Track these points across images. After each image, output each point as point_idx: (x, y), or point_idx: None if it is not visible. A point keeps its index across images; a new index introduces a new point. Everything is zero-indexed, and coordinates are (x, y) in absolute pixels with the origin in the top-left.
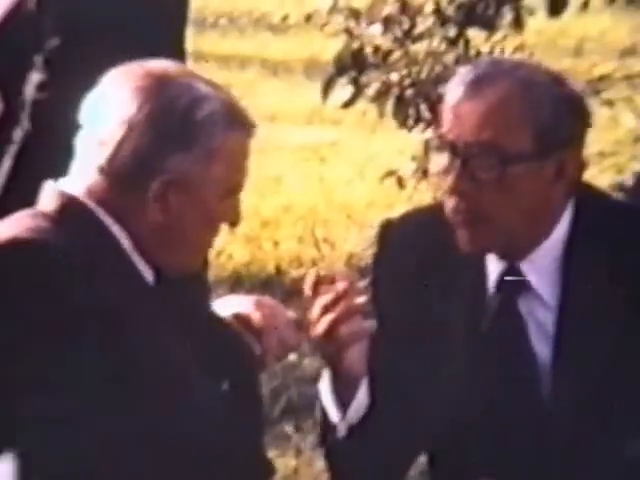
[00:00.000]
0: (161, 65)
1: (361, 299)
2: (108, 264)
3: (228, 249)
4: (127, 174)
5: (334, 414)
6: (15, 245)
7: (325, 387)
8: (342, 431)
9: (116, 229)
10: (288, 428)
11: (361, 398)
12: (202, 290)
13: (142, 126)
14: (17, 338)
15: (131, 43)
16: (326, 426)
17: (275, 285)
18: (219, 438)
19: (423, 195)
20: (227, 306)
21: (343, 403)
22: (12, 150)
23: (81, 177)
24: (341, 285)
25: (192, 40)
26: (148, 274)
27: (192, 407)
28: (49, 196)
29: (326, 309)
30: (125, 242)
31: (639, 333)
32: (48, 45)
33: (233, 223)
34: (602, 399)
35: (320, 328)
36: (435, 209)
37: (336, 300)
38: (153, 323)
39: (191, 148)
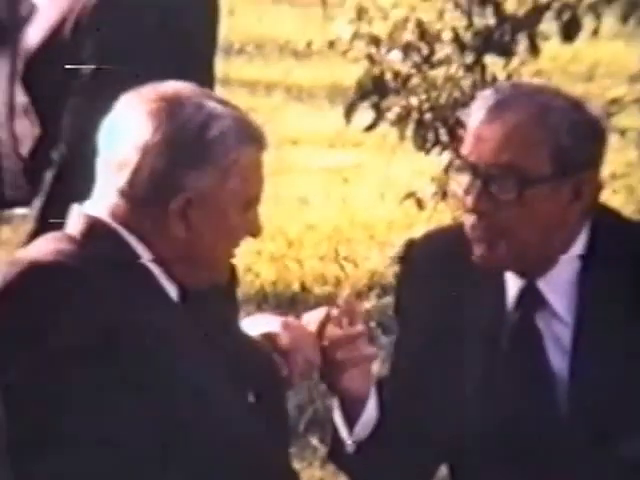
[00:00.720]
0: (173, 87)
1: (360, 327)
2: (134, 284)
3: (255, 268)
4: (146, 195)
5: (343, 431)
6: (36, 268)
7: (335, 405)
8: (350, 447)
9: (140, 249)
10: (314, 440)
11: (367, 416)
12: (230, 307)
13: (158, 148)
14: (43, 359)
15: (163, 68)
16: (337, 441)
17: (300, 302)
18: (245, 449)
19: (442, 216)
20: (256, 325)
21: (350, 420)
22: (50, 173)
23: (103, 200)
24: (335, 312)
25: (219, 66)
26: (173, 292)
27: (219, 419)
28: (75, 219)
29: (322, 337)
30: (149, 261)
31: None
32: (84, 71)
33: (254, 235)
34: (618, 413)
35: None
36: (455, 229)
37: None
38: (179, 340)
39: (206, 166)
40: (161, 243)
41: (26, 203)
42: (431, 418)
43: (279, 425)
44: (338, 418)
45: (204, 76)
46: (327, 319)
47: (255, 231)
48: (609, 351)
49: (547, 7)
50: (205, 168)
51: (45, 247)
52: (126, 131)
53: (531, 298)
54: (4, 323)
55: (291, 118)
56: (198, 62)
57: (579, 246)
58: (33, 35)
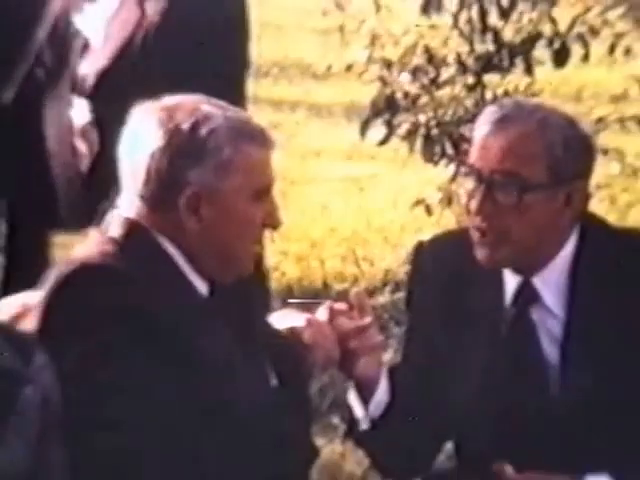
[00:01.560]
0: (177, 98)
1: (369, 319)
2: (167, 280)
3: (281, 267)
4: (159, 195)
5: (358, 410)
6: (86, 268)
7: (350, 387)
8: (365, 424)
9: (170, 248)
10: (335, 420)
11: (379, 397)
12: (257, 300)
13: (160, 151)
14: (92, 351)
15: (206, 87)
16: (354, 420)
17: (322, 298)
18: (268, 426)
19: (448, 221)
20: (282, 320)
21: (364, 401)
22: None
23: (130, 204)
24: (342, 306)
25: (249, 86)
26: (202, 287)
27: (248, 401)
28: (115, 223)
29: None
30: (179, 259)
31: (634, 340)
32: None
33: (273, 226)
34: (603, 396)
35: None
36: (460, 233)
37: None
38: (209, 330)
39: (203, 161)
40: (183, 240)
41: (81, 225)
42: (438, 399)
43: (301, 406)
44: (353, 399)
45: (238, 96)
46: (340, 311)
47: (273, 222)
48: (595, 342)
49: (540, 36)
50: (203, 163)
51: (92, 249)
52: (137, 141)
53: (527, 294)
54: (59, 315)
55: (313, 133)
56: (228, 82)
57: (570, 248)
58: (98, 57)
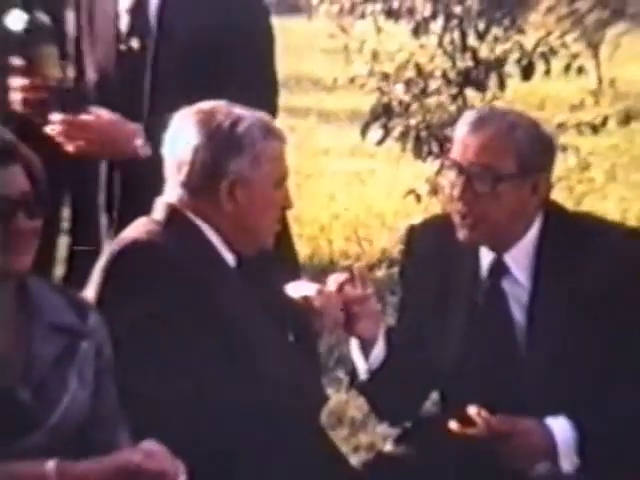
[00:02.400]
0: (209, 103)
1: (369, 289)
2: (202, 255)
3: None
4: (201, 183)
5: (359, 364)
6: (136, 245)
7: (353, 344)
8: (365, 375)
9: (205, 227)
10: (340, 374)
11: (377, 352)
12: (276, 272)
13: (204, 147)
14: (140, 318)
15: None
16: (356, 373)
17: (329, 272)
18: (289, 373)
19: (434, 207)
20: (297, 289)
21: (365, 356)
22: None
23: (172, 192)
24: (341, 277)
25: None
26: (230, 259)
27: (270, 353)
28: (159, 207)
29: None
30: (212, 236)
31: (587, 304)
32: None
33: (287, 207)
34: (563, 352)
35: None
36: (444, 217)
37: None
38: (238, 296)
39: (240, 154)
40: (217, 219)
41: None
42: (425, 355)
43: (312, 359)
44: (356, 354)
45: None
46: (345, 281)
47: (287, 204)
48: (556, 307)
49: (510, 54)
50: (240, 156)
51: (141, 229)
52: (180, 139)
53: (499, 268)
54: (114, 285)
55: (322, 135)
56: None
57: (535, 229)
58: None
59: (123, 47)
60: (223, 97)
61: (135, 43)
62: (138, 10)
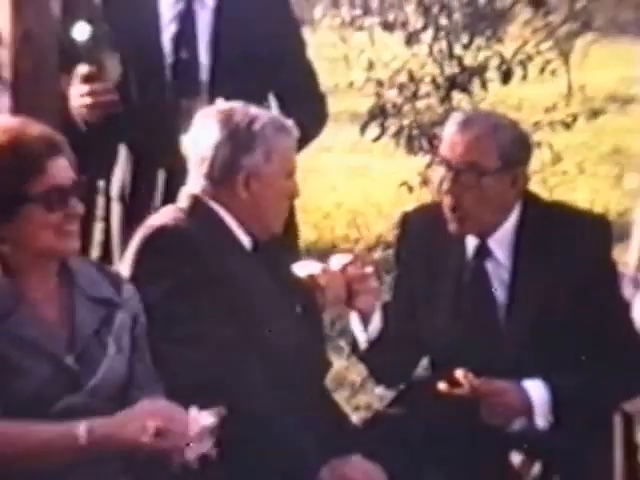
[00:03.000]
0: (226, 104)
1: (369, 269)
2: (222, 239)
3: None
4: (221, 175)
5: (359, 334)
6: (164, 230)
7: (353, 317)
8: (363, 344)
9: (224, 213)
10: (342, 343)
11: (375, 324)
12: (287, 255)
13: (224, 143)
14: (167, 292)
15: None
16: (355, 342)
17: (332, 254)
18: (298, 342)
19: (425, 197)
20: (303, 268)
21: (364, 327)
22: None
23: (195, 184)
24: (345, 259)
25: None
26: (247, 243)
27: (281, 325)
28: (183, 197)
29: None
30: (231, 222)
31: (562, 282)
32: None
33: (294, 197)
34: (539, 324)
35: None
36: (433, 205)
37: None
38: (253, 275)
39: (255, 149)
40: (235, 206)
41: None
42: (417, 326)
43: (317, 329)
44: (356, 326)
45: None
46: (348, 263)
47: (295, 194)
48: (533, 285)
49: (491, 62)
50: (255, 151)
51: (169, 216)
52: (203, 137)
53: (483, 251)
54: (145, 265)
55: (325, 134)
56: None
57: (514, 216)
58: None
59: (170, 59)
60: (282, 108)
61: (184, 54)
62: (186, 22)
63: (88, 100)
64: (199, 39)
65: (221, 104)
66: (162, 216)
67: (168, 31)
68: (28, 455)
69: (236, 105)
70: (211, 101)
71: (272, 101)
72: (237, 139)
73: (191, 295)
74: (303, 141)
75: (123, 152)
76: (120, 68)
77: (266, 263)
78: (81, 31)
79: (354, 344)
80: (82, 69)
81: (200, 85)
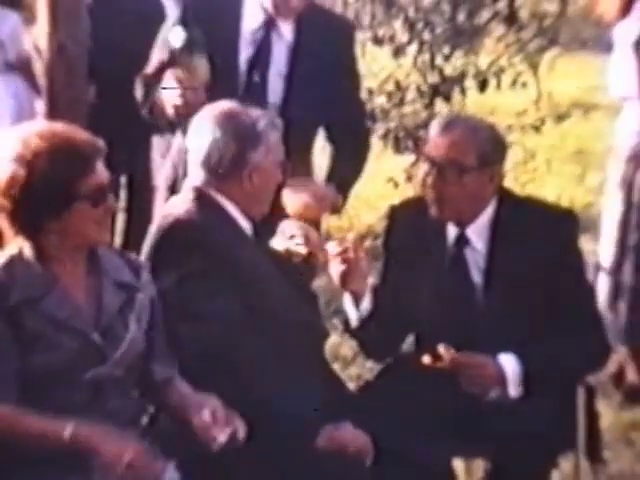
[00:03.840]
0: (227, 104)
1: (362, 254)
2: (227, 226)
3: None
4: (228, 170)
5: (351, 312)
6: (179, 222)
7: (346, 297)
8: (355, 322)
9: (225, 202)
10: (336, 322)
11: (365, 304)
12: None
13: (230, 142)
14: (183, 277)
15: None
16: (348, 320)
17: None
18: (298, 312)
19: (409, 192)
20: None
21: (356, 307)
22: None
23: (197, 177)
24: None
25: None
26: (248, 228)
27: (281, 297)
28: (187, 189)
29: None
30: (232, 209)
31: (533, 268)
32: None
33: (283, 183)
34: (512, 304)
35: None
36: (417, 199)
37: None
38: (256, 257)
39: (258, 147)
40: (236, 196)
41: None
42: (403, 307)
43: (313, 301)
44: (348, 306)
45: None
46: (344, 249)
47: (283, 180)
48: (507, 270)
49: (469, 72)
50: (258, 149)
51: (180, 208)
52: (206, 135)
53: (462, 239)
54: (163, 255)
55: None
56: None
57: (491, 209)
58: None
59: (243, 78)
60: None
61: (256, 77)
62: (262, 49)
63: (179, 101)
64: (271, 67)
65: (221, 104)
66: (174, 208)
67: (245, 53)
68: (18, 439)
69: (236, 106)
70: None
71: (322, 131)
72: (243, 138)
73: (205, 278)
74: (352, 175)
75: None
76: (208, 69)
77: (265, 246)
78: (176, 36)
79: (347, 322)
80: (176, 72)
81: (268, 107)
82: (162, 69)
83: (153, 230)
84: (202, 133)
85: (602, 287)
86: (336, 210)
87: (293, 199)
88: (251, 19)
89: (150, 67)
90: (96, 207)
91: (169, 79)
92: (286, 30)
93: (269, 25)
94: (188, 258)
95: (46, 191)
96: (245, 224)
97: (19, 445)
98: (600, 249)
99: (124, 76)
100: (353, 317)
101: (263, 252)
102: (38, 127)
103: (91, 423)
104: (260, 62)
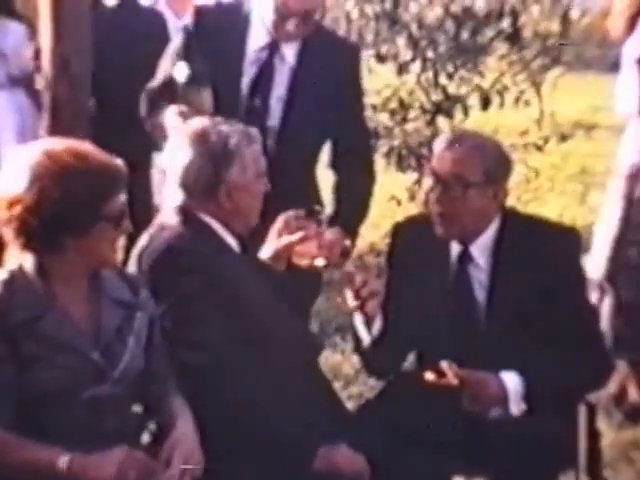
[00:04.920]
0: (200, 123)
1: (378, 282)
2: (216, 246)
3: None
4: (203, 190)
5: (363, 333)
6: (170, 248)
7: (357, 318)
8: (367, 342)
9: (210, 221)
10: (337, 339)
11: (377, 324)
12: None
13: (203, 163)
14: (178, 297)
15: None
16: (359, 340)
17: None
18: (293, 331)
19: (412, 210)
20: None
21: (369, 327)
22: None
23: (177, 197)
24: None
25: None
26: (235, 245)
27: (270, 316)
28: (170, 210)
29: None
30: (217, 227)
31: (535, 285)
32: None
33: (267, 192)
34: (514, 321)
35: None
36: (420, 217)
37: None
38: (245, 274)
39: (233, 164)
40: (220, 214)
41: None
42: (406, 326)
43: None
44: (360, 326)
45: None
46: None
47: (266, 189)
48: (510, 287)
49: (472, 90)
50: (233, 166)
51: (169, 234)
52: (180, 155)
53: (466, 257)
54: (158, 280)
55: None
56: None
57: (494, 226)
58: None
59: (244, 101)
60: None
61: (257, 101)
62: (265, 71)
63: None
64: (273, 91)
65: (194, 124)
66: (166, 233)
67: (248, 75)
68: (10, 468)
69: (208, 124)
70: (276, 147)
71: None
72: (216, 158)
73: (194, 304)
74: (359, 215)
75: None
76: (212, 101)
77: (253, 262)
78: (181, 72)
79: (357, 342)
80: (181, 107)
81: (267, 131)
82: (166, 85)
83: (146, 251)
84: (176, 154)
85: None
86: (346, 254)
87: (302, 251)
88: (256, 39)
89: (156, 81)
90: (117, 229)
91: (173, 114)
92: (289, 54)
93: (273, 48)
94: (178, 285)
95: (74, 209)
96: (232, 241)
97: (12, 475)
98: (589, 263)
99: (123, 91)
100: (365, 338)
101: (252, 268)
102: (66, 144)
103: (90, 442)
104: (262, 86)
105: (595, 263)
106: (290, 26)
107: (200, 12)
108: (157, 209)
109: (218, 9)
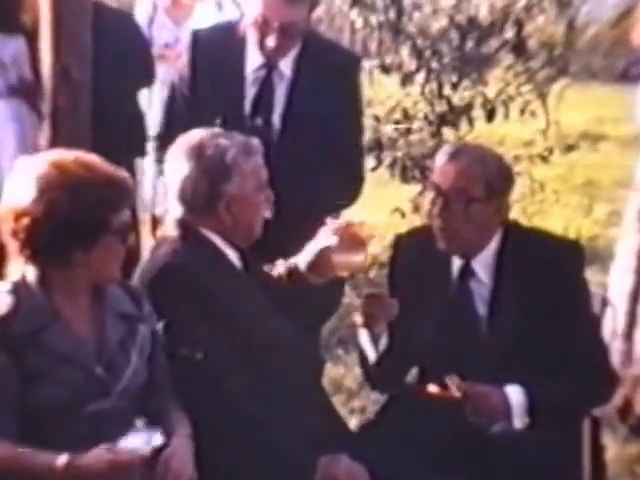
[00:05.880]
0: (197, 136)
1: (395, 305)
2: (213, 260)
3: None
4: (202, 204)
5: (369, 349)
6: (169, 267)
7: (364, 334)
8: (373, 359)
9: (210, 235)
10: (340, 352)
11: (383, 341)
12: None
13: (200, 178)
14: (178, 315)
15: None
16: (364, 357)
17: None
18: (293, 347)
19: (416, 222)
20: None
21: (375, 343)
22: None
23: (176, 210)
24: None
25: None
26: (236, 260)
27: (272, 333)
28: (170, 224)
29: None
30: (217, 240)
31: (538, 300)
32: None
33: (270, 205)
34: (517, 335)
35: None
36: (423, 229)
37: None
38: (246, 290)
39: (230, 178)
40: (220, 228)
41: None
42: (407, 340)
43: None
44: (366, 342)
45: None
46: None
47: (269, 204)
48: (512, 302)
49: (477, 101)
50: (231, 180)
51: (166, 249)
52: (178, 170)
53: (467, 271)
54: (155, 299)
55: None
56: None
57: (496, 240)
58: None
59: (247, 121)
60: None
61: (259, 120)
62: (265, 89)
63: None
64: (275, 107)
65: (191, 137)
66: (163, 250)
67: (249, 95)
68: (10, 471)
69: (205, 137)
70: (276, 162)
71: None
72: (213, 173)
73: (194, 323)
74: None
75: None
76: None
77: (255, 275)
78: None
79: (362, 358)
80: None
81: (272, 147)
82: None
83: (145, 267)
84: (175, 168)
85: (618, 316)
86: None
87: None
88: (253, 59)
89: (160, 129)
90: (123, 243)
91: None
92: (286, 68)
93: (270, 66)
94: (173, 305)
95: (84, 220)
96: (232, 254)
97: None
98: (611, 279)
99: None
100: (372, 354)
101: (251, 283)
102: (73, 156)
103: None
104: (263, 105)
105: (615, 277)
106: (271, 42)
107: (198, 38)
108: (160, 221)
109: (215, 32)
